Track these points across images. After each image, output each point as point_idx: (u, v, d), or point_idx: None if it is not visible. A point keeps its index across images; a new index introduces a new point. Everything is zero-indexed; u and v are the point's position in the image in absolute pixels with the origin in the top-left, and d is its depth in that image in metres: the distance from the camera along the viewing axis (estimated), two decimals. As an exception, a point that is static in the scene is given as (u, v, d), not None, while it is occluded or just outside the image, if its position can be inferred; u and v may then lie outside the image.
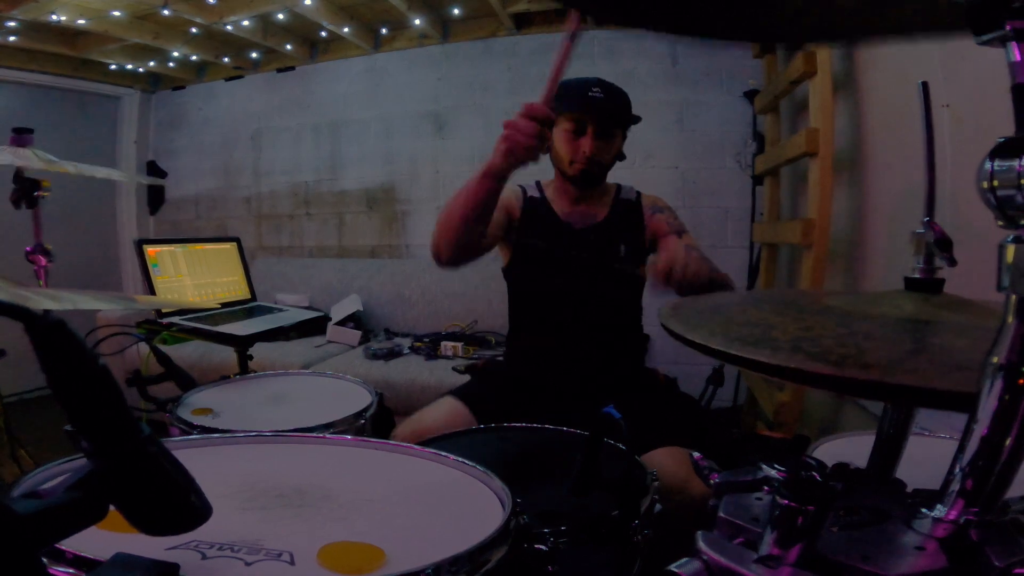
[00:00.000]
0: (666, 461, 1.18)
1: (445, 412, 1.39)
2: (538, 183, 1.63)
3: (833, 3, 0.54)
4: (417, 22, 3.23)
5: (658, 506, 0.92)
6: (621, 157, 1.56)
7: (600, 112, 1.44)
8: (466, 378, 1.67)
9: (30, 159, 1.43)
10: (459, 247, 1.31)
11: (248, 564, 0.53)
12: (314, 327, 2.77)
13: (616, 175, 1.62)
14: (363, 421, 1.20)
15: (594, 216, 1.56)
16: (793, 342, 0.48)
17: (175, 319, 1.70)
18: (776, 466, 0.43)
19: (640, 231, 1.56)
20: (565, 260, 1.53)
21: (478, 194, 1.20)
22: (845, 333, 0.51)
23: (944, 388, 0.41)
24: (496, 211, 1.37)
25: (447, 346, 2.74)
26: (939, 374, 0.43)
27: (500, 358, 2.11)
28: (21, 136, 1.54)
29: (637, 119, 1.53)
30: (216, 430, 1.05)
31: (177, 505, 0.44)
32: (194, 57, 3.67)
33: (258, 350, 1.77)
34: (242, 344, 1.67)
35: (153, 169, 4.23)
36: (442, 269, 1.44)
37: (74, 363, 0.40)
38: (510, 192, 1.59)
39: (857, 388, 0.43)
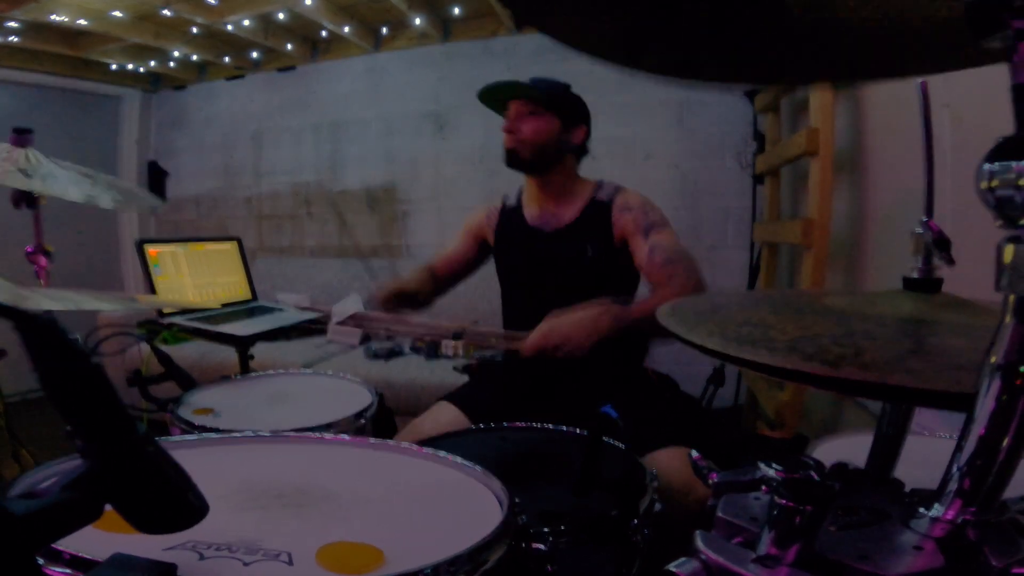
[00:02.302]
0: (671, 463, 1.18)
1: (443, 420, 1.38)
2: (520, 188, 1.65)
3: (833, 45, 0.54)
4: (417, 22, 3.23)
5: (658, 506, 0.92)
6: (582, 151, 1.55)
7: (509, 86, 1.50)
8: (464, 378, 1.67)
9: (25, 164, 1.41)
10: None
11: (246, 564, 0.53)
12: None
13: (617, 175, 1.62)
14: (363, 421, 1.20)
15: (561, 218, 1.54)
16: (790, 342, 0.48)
17: (176, 319, 1.70)
18: (774, 466, 0.43)
19: (608, 232, 1.49)
20: (536, 266, 1.53)
21: None
22: (843, 333, 0.50)
23: (941, 389, 0.41)
24: (467, 241, 1.67)
25: (447, 345, 2.74)
26: (937, 374, 0.43)
27: (497, 358, 2.11)
28: (21, 136, 1.53)
29: (575, 120, 1.52)
30: (217, 430, 1.05)
31: (173, 502, 0.44)
32: (195, 57, 3.67)
33: (259, 350, 1.78)
34: (243, 344, 1.67)
35: (155, 169, 4.23)
36: None
37: (65, 362, 0.40)
38: (483, 215, 1.66)
39: (855, 387, 0.43)
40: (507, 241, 1.61)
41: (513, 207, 1.63)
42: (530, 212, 1.58)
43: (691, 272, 1.41)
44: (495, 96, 1.53)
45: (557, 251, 1.51)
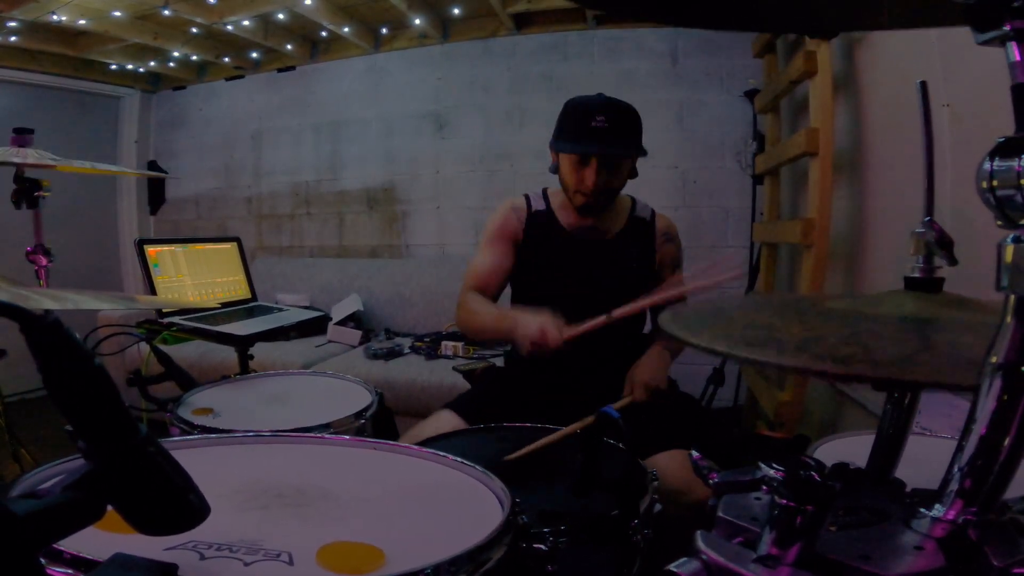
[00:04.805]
0: (670, 464, 1.18)
1: (444, 429, 1.37)
2: (544, 191, 1.60)
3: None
4: (417, 22, 3.23)
5: (658, 506, 0.92)
6: (633, 174, 1.52)
7: (603, 145, 1.36)
8: (464, 381, 1.66)
9: (36, 159, 1.43)
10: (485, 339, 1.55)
11: (247, 564, 0.53)
12: (314, 327, 2.77)
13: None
14: (363, 421, 1.20)
15: (605, 231, 1.53)
16: (799, 343, 0.47)
17: (175, 319, 1.70)
18: (775, 466, 0.43)
19: (651, 253, 1.55)
20: (572, 274, 1.50)
21: (498, 336, 1.43)
22: (849, 333, 0.50)
23: (955, 382, 0.41)
24: (505, 248, 1.53)
25: (447, 346, 2.73)
26: (950, 369, 0.43)
27: (497, 359, 2.10)
28: (22, 136, 1.54)
29: (643, 152, 1.46)
30: (216, 430, 1.05)
31: (174, 504, 0.44)
32: (194, 57, 3.67)
33: (258, 350, 1.77)
34: (242, 344, 1.67)
35: (154, 169, 4.24)
36: None
37: (70, 363, 0.40)
38: (512, 216, 1.56)
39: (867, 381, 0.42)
40: (539, 246, 1.53)
41: (544, 211, 1.56)
42: (566, 219, 1.54)
43: None
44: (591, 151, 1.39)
45: (601, 260, 1.51)
